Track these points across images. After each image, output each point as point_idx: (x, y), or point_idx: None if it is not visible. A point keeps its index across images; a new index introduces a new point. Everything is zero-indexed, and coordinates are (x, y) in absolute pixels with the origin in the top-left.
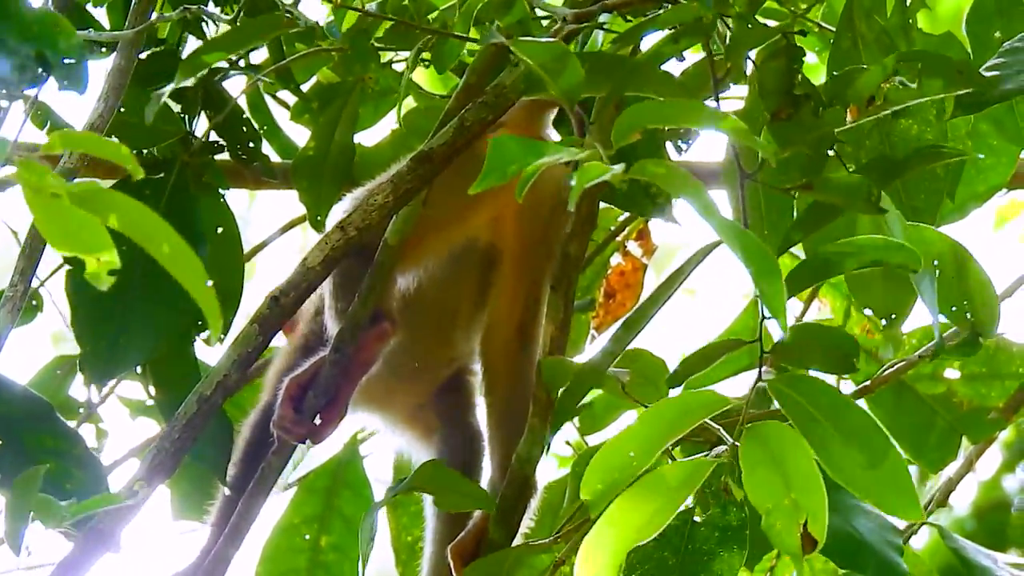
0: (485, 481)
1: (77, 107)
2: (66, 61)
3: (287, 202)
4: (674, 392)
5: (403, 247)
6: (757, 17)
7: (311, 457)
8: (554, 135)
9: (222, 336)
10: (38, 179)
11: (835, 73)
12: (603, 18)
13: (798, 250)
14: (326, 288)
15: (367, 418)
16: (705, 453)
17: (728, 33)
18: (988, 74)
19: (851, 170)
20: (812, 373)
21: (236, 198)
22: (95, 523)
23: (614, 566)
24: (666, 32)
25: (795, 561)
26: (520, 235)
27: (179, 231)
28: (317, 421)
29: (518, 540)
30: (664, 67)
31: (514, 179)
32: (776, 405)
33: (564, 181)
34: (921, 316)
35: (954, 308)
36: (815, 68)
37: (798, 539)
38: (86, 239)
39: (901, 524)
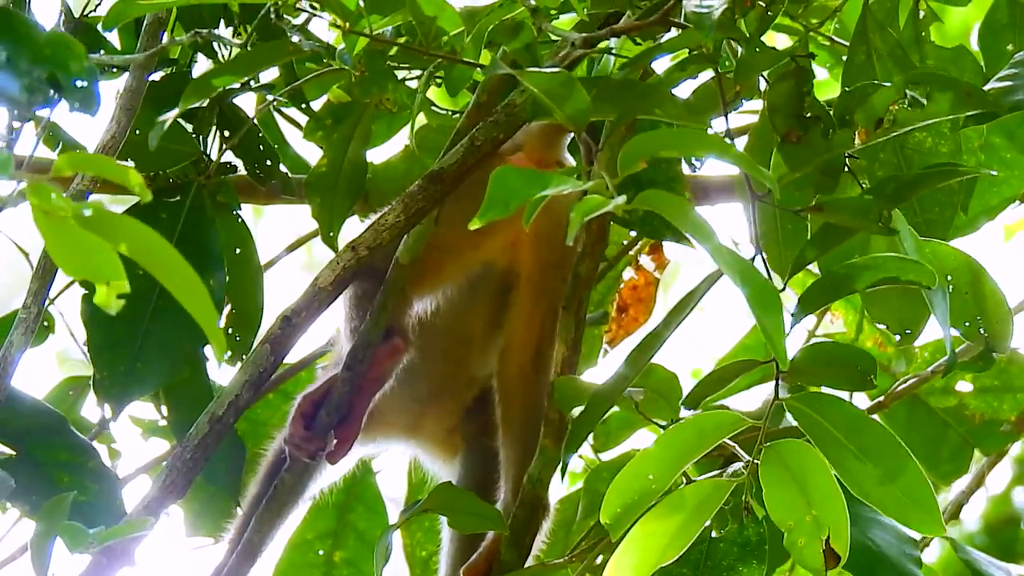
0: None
1: (90, 128)
2: (78, 83)
3: (293, 219)
4: (689, 412)
5: (421, 271)
6: (768, 35)
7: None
8: (570, 159)
9: (243, 357)
10: (47, 202)
11: (847, 89)
12: (612, 42)
13: (814, 266)
14: (344, 298)
15: (399, 446)
16: (720, 471)
17: (738, 55)
18: (999, 85)
19: (865, 187)
20: (826, 389)
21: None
22: (109, 545)
23: None
24: (676, 55)
25: None
26: (537, 259)
27: (197, 253)
28: (333, 441)
29: (530, 561)
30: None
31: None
32: (788, 419)
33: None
34: (934, 329)
35: (967, 323)
36: (827, 84)
37: (820, 556)
38: (96, 264)
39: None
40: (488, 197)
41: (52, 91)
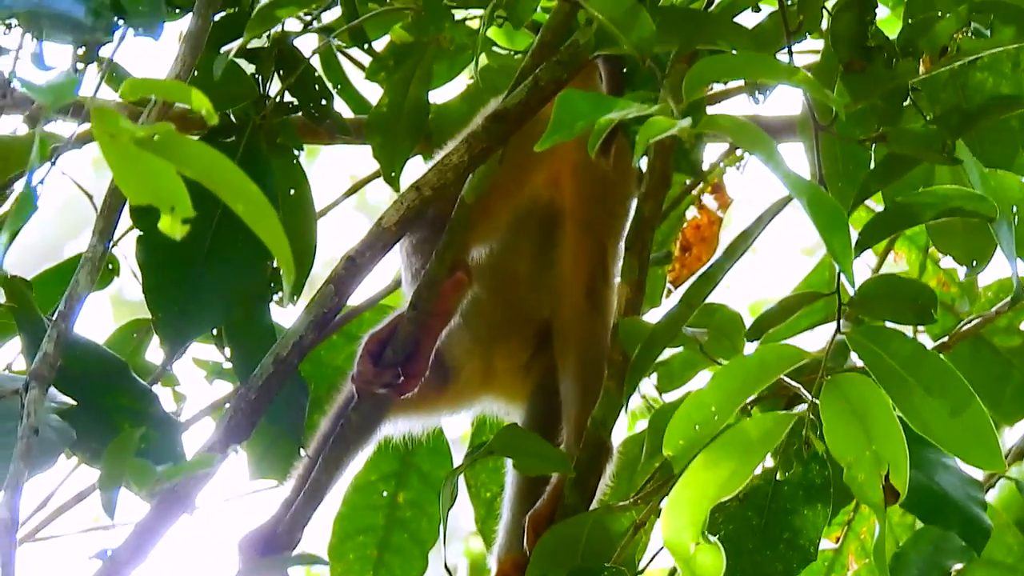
0: None
1: (154, 71)
2: (141, 9)
3: (347, 160)
4: (752, 346)
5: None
6: None
7: None
8: None
9: (295, 298)
10: (113, 124)
11: (910, 21)
12: None
13: (873, 203)
14: (403, 247)
15: (479, 401)
16: (784, 411)
17: None
18: None
19: (927, 120)
20: (889, 325)
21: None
22: (171, 485)
23: (697, 523)
24: None
25: (877, 512)
26: (579, 194)
27: None
28: (400, 378)
29: (594, 504)
30: (737, 19)
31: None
32: (853, 360)
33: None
34: (997, 268)
35: None
36: (890, 22)
37: (880, 491)
38: (161, 188)
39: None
40: (553, 119)
41: (116, 17)
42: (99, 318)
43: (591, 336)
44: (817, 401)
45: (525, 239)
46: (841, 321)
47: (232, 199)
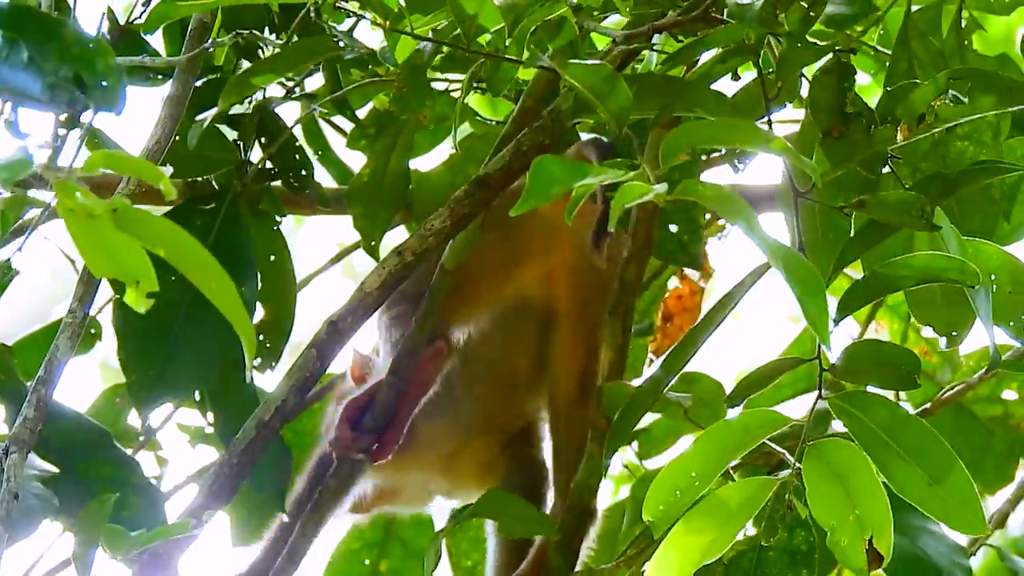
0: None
1: (135, 136)
2: (103, 83)
3: (333, 228)
4: (733, 412)
5: (459, 296)
6: (810, 37)
7: None
8: None
9: (274, 364)
10: (72, 199)
11: (888, 89)
12: (655, 39)
13: (852, 271)
14: (381, 321)
15: (431, 484)
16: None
17: (779, 52)
18: None
19: (906, 187)
20: (871, 390)
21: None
22: (153, 549)
23: None
24: (717, 52)
25: None
26: (573, 293)
27: (231, 260)
28: (375, 445)
29: (578, 568)
30: (718, 86)
31: (564, 238)
32: (835, 428)
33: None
34: (979, 338)
35: (1012, 322)
36: (870, 89)
37: (864, 555)
38: (125, 263)
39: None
40: (528, 186)
41: (78, 91)
42: (86, 384)
43: (580, 421)
44: (800, 467)
45: (521, 339)
46: (823, 381)
47: (195, 275)
